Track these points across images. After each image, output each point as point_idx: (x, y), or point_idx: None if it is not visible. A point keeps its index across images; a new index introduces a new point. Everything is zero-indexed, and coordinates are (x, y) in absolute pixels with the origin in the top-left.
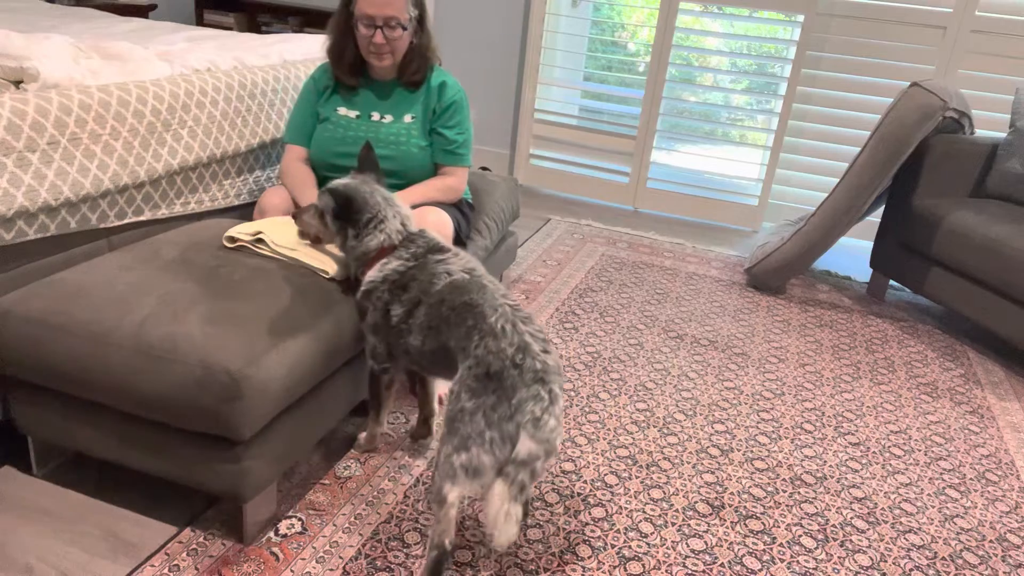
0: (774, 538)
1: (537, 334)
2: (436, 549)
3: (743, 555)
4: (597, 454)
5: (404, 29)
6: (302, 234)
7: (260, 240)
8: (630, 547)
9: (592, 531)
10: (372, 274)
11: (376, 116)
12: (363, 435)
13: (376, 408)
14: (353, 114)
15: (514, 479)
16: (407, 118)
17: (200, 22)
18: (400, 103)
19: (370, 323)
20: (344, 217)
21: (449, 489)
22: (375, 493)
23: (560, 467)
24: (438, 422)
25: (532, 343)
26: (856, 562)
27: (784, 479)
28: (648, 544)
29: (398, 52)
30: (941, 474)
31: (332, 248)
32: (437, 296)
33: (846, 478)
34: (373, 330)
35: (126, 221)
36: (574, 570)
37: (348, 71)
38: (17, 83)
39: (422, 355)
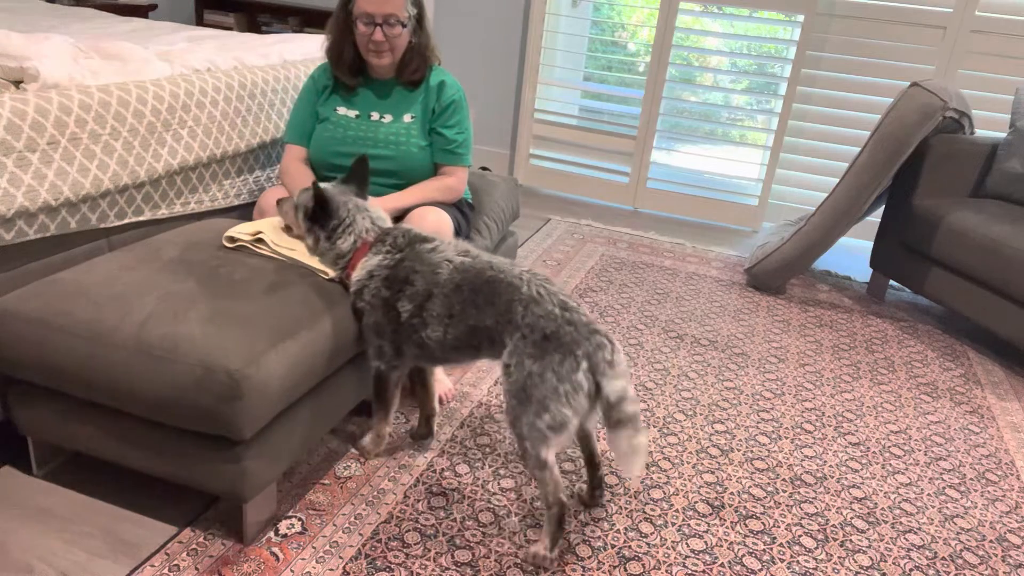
0: (774, 538)
1: (565, 293)
2: (555, 506)
3: (743, 555)
4: None
5: (403, 27)
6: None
7: (260, 240)
8: (630, 547)
9: (592, 531)
10: (356, 274)
11: (376, 116)
12: (368, 438)
13: (385, 409)
14: (353, 114)
15: (624, 418)
16: (407, 118)
17: (200, 22)
18: (400, 103)
19: (370, 323)
20: (315, 219)
21: (546, 452)
22: (375, 493)
23: (560, 467)
24: (439, 422)
25: (568, 301)
26: (856, 562)
27: (784, 479)
28: (648, 544)
29: (397, 50)
30: (941, 474)
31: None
32: (450, 283)
33: (846, 478)
34: (376, 330)
35: (126, 221)
36: (574, 570)
37: (348, 71)
38: (17, 83)
39: (443, 345)
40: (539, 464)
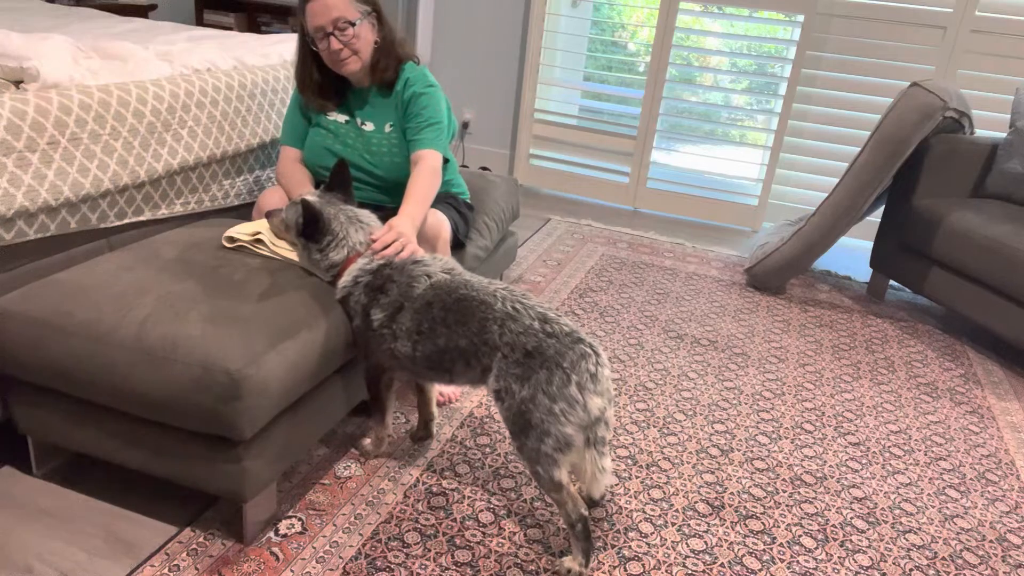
0: (774, 538)
1: (545, 305)
2: (579, 521)
3: (743, 555)
4: None
5: (353, 26)
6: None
7: (259, 240)
8: (630, 547)
9: (592, 531)
10: (343, 280)
11: (359, 122)
12: (368, 440)
13: (380, 411)
14: (342, 119)
15: (594, 439)
16: (387, 127)
17: (200, 22)
18: (379, 111)
19: (354, 327)
20: (307, 235)
21: (558, 473)
22: (375, 493)
23: None
24: (438, 422)
25: (548, 312)
26: (856, 562)
27: (784, 479)
28: (648, 544)
29: (363, 52)
30: (941, 474)
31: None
32: (422, 300)
33: (846, 478)
34: (360, 335)
35: (126, 221)
36: None
37: (318, 94)
38: (17, 83)
39: (414, 361)
40: (553, 486)
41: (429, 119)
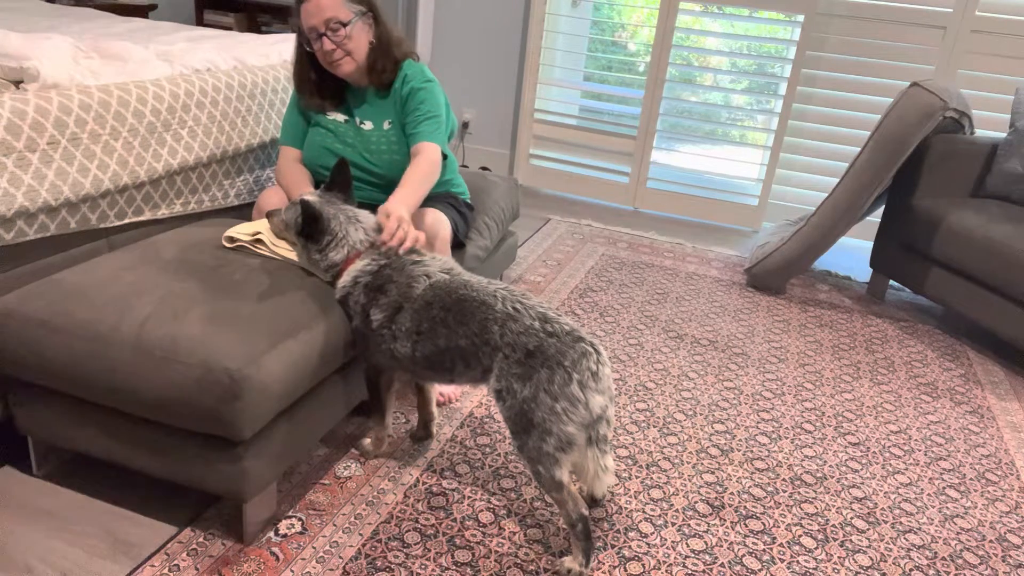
0: (774, 538)
1: (545, 305)
2: (579, 521)
3: (743, 555)
4: None
5: (345, 26)
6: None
7: (259, 241)
8: (630, 547)
9: (592, 531)
10: (343, 280)
11: (357, 120)
12: (368, 440)
13: (380, 411)
14: (341, 118)
15: (596, 438)
16: (385, 125)
17: (200, 22)
18: (377, 110)
19: (354, 328)
20: (306, 235)
21: (559, 473)
22: (375, 493)
23: None
24: (438, 422)
25: (548, 312)
26: (856, 562)
27: (784, 479)
28: (648, 544)
29: (357, 53)
30: (941, 474)
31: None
32: (421, 300)
33: (846, 478)
34: (360, 335)
35: (126, 221)
36: None
37: (315, 93)
38: (17, 83)
39: (413, 361)
40: (554, 485)
41: (427, 113)
